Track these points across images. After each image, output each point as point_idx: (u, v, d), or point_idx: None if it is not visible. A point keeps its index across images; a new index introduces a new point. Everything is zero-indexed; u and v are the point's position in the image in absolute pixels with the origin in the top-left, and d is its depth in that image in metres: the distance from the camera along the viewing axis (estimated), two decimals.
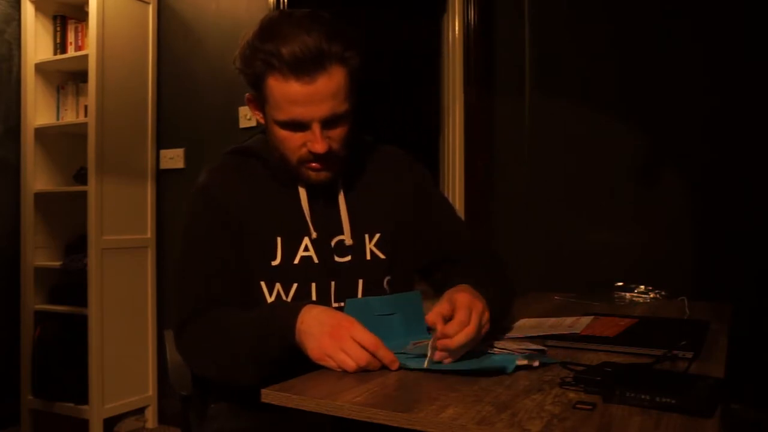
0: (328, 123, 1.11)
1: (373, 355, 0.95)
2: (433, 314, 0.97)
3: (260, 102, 1.15)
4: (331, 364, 0.96)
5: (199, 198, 1.21)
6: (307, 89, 1.06)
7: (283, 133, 1.13)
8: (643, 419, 0.73)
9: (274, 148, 1.19)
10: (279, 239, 1.18)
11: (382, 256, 1.23)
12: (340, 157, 1.17)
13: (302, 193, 1.21)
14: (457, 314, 0.96)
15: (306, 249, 1.19)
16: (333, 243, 1.21)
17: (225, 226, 1.19)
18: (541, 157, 2.46)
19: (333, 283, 1.20)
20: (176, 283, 1.23)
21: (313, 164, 1.15)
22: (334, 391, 0.85)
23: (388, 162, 1.32)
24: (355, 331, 0.96)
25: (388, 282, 1.24)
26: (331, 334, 0.97)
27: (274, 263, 1.18)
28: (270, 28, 1.08)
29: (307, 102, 1.07)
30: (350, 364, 0.94)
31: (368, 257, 1.23)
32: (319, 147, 1.10)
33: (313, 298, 1.18)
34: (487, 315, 1.00)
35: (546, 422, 0.72)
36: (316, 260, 1.19)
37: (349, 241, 1.21)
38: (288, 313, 1.03)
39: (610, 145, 2.34)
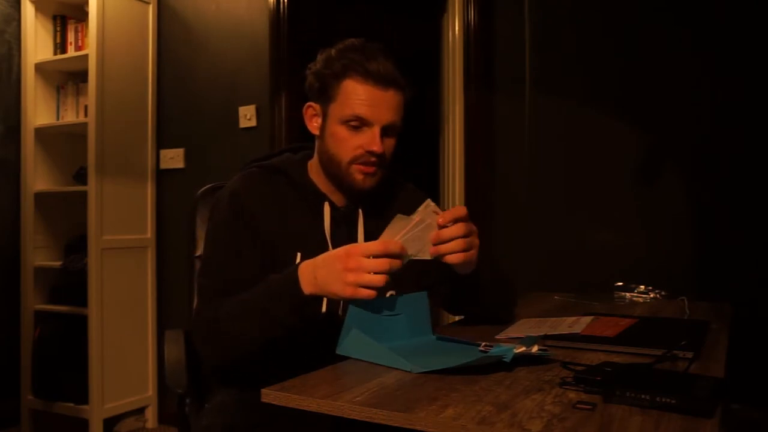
0: (386, 131, 1.24)
1: (386, 255, 1.03)
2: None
3: (324, 102, 1.27)
4: (363, 293, 1.03)
5: (227, 202, 1.28)
6: (380, 94, 1.23)
7: (343, 133, 1.24)
8: (643, 419, 0.73)
9: (324, 153, 1.28)
10: (299, 254, 1.23)
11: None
12: (384, 170, 1.27)
13: (326, 215, 1.29)
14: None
15: None
16: None
17: (249, 231, 1.25)
18: (541, 157, 2.46)
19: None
20: (197, 280, 1.31)
21: (365, 167, 1.24)
22: (334, 391, 0.85)
23: (403, 196, 1.41)
24: (363, 249, 1.04)
25: (391, 296, 1.28)
26: (346, 266, 1.03)
27: None
28: (353, 46, 1.25)
29: (376, 104, 1.22)
30: (381, 278, 1.03)
31: None
32: (377, 147, 1.23)
33: (324, 308, 1.23)
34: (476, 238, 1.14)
35: (546, 422, 0.72)
36: None
37: None
38: (286, 274, 1.11)
39: (611, 145, 2.34)
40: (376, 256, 1.04)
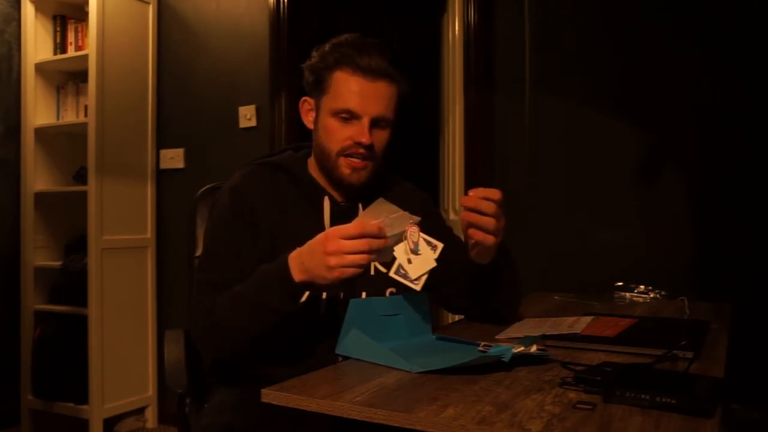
0: (375, 123, 1.25)
1: (364, 235, 1.04)
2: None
3: (317, 95, 1.28)
4: (348, 272, 1.05)
5: (228, 199, 1.29)
6: (368, 86, 1.24)
7: (334, 124, 1.25)
8: (643, 419, 0.73)
9: (317, 146, 1.30)
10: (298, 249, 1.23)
11: (383, 270, 1.30)
12: (375, 163, 1.29)
13: (326, 210, 1.30)
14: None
15: None
16: None
17: (248, 226, 1.26)
18: (541, 157, 2.45)
19: (341, 293, 1.25)
20: (195, 275, 1.31)
21: (354, 160, 1.25)
22: (334, 391, 0.85)
23: (404, 195, 1.40)
24: (340, 231, 1.05)
25: (390, 293, 1.30)
26: (326, 251, 1.05)
27: None
28: (346, 41, 1.27)
29: (365, 96, 1.23)
30: (363, 257, 1.04)
31: (372, 272, 1.30)
32: (365, 138, 1.23)
33: (323, 305, 1.24)
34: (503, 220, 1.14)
35: (546, 422, 0.72)
36: None
37: None
38: (277, 263, 1.13)
39: (611, 145, 2.34)
40: (354, 237, 1.05)
